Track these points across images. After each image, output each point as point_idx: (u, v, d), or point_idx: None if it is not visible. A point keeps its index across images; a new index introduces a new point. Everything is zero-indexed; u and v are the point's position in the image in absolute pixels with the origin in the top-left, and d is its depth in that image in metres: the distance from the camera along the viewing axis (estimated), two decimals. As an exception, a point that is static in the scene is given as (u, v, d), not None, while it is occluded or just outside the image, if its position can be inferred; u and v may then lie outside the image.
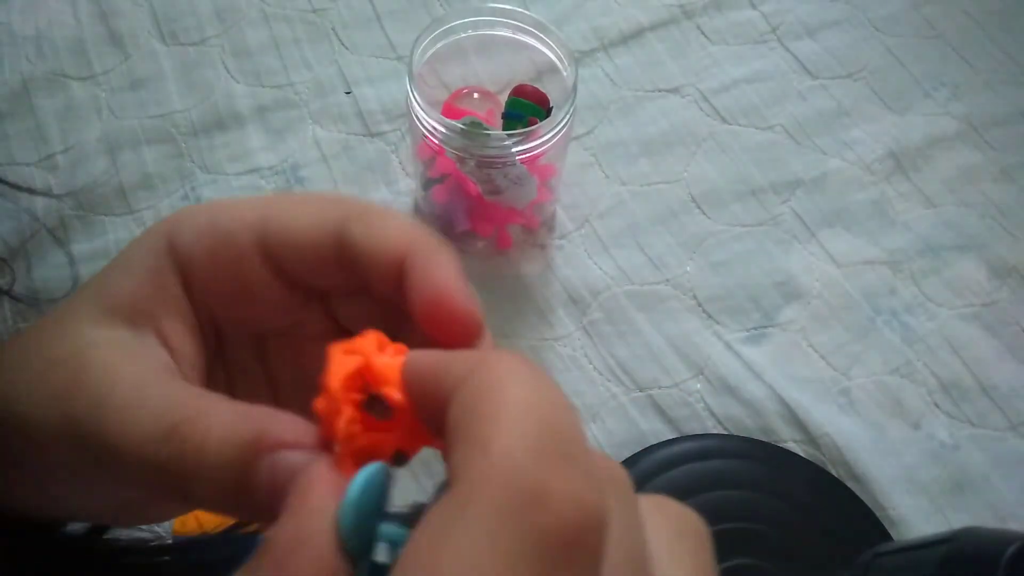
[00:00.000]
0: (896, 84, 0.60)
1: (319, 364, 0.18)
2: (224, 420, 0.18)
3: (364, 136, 0.56)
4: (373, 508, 0.16)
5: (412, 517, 0.15)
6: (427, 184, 0.51)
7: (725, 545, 0.42)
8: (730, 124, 0.58)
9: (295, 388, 0.24)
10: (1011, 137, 0.58)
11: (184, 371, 0.21)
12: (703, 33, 0.61)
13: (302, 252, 0.21)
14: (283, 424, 0.18)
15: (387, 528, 0.16)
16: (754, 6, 0.62)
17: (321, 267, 0.21)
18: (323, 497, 0.16)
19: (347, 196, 0.21)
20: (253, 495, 0.17)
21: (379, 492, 0.16)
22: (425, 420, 0.18)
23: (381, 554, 0.15)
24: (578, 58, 0.54)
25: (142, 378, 0.19)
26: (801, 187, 0.56)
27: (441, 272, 0.20)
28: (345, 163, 0.55)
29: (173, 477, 0.18)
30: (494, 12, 0.49)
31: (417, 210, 0.54)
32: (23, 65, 0.57)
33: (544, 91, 0.50)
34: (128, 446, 0.18)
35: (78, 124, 0.55)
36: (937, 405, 0.49)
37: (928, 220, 0.55)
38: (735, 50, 0.61)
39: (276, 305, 0.22)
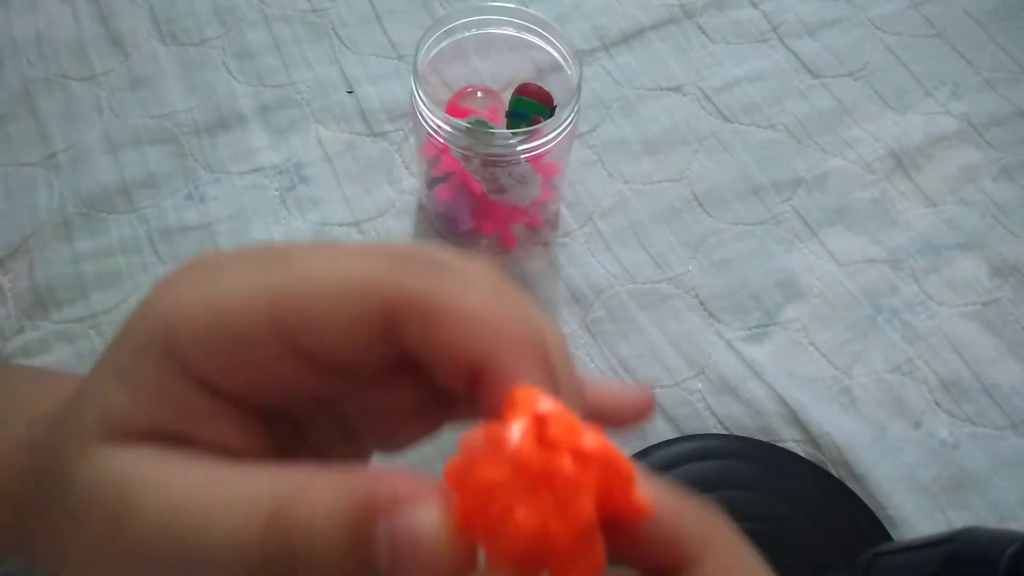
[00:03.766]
0: (897, 83, 0.60)
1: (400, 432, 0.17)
2: (327, 490, 0.15)
3: (367, 135, 0.56)
4: None
5: None
6: (431, 183, 0.51)
7: (727, 544, 0.43)
8: (732, 123, 0.58)
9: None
10: (1012, 136, 0.58)
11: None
12: (704, 32, 0.61)
13: (336, 351, 0.17)
14: (394, 478, 0.15)
15: None
16: (755, 5, 0.62)
17: (363, 360, 0.17)
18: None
19: (387, 250, 0.17)
20: (376, 567, 0.15)
21: None
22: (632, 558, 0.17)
23: None
24: (580, 57, 0.54)
25: (208, 478, 0.16)
26: (802, 186, 0.56)
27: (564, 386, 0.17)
28: (348, 162, 0.55)
29: (282, 572, 0.15)
30: (496, 11, 0.49)
31: (421, 208, 0.54)
32: (24, 67, 0.57)
33: (547, 90, 0.50)
34: (222, 557, 0.15)
35: (79, 124, 0.55)
36: (938, 404, 0.49)
37: (929, 219, 0.55)
38: (736, 49, 0.61)
39: (318, 389, 0.18)
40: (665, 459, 0.46)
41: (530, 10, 0.49)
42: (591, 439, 0.15)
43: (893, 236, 0.54)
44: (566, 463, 0.14)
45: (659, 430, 0.48)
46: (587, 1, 0.62)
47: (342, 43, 0.59)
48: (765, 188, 0.56)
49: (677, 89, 0.59)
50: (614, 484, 0.15)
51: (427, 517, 0.15)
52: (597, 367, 0.50)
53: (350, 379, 0.18)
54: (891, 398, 0.49)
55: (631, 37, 0.61)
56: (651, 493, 0.16)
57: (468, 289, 0.17)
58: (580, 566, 0.15)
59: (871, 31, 0.62)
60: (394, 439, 0.21)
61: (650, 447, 0.47)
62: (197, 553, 0.15)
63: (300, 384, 0.18)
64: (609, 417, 0.22)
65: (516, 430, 0.14)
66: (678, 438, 0.47)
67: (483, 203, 0.50)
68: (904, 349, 0.51)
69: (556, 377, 0.17)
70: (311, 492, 0.15)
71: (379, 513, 0.15)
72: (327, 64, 0.58)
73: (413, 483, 0.15)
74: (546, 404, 0.15)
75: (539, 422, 0.15)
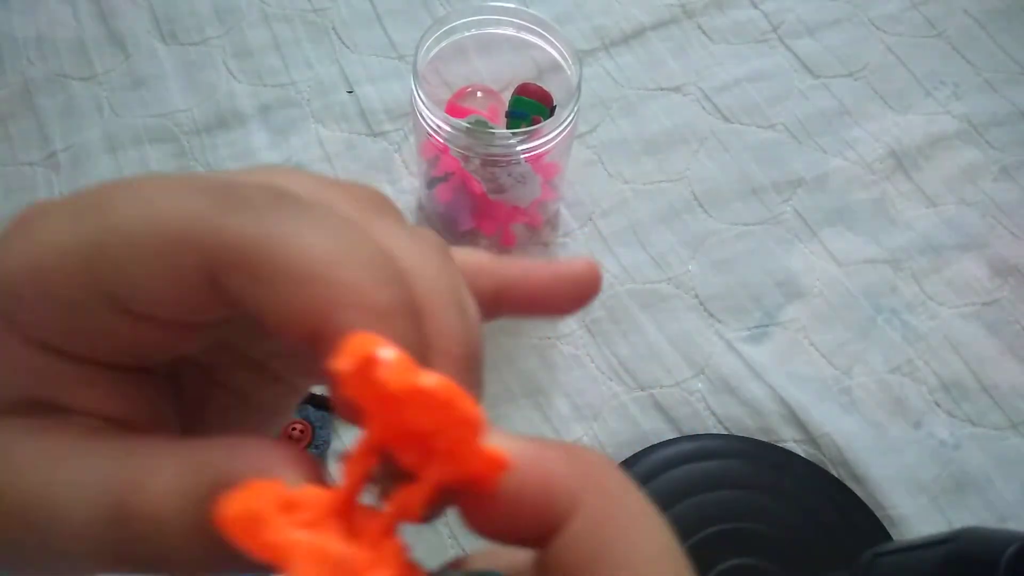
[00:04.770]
0: (897, 83, 0.60)
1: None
2: (172, 472, 0.14)
3: (367, 135, 0.56)
4: None
5: None
6: (431, 183, 0.51)
7: (725, 545, 0.43)
8: (732, 123, 0.58)
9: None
10: (1012, 136, 0.58)
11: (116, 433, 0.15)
12: (704, 32, 0.61)
13: (165, 309, 0.15)
14: (248, 456, 0.14)
15: None
16: (755, 5, 0.62)
17: (201, 315, 0.15)
18: None
19: (214, 183, 0.15)
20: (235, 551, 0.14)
21: None
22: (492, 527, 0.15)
23: None
24: (581, 57, 0.54)
25: (58, 460, 0.15)
26: (803, 186, 0.56)
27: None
28: (348, 162, 0.55)
29: (142, 560, 0.14)
30: (496, 11, 0.49)
31: (421, 208, 0.54)
32: (24, 66, 0.57)
33: (547, 90, 0.50)
34: (72, 548, 0.14)
35: (80, 123, 0.55)
36: (938, 404, 0.49)
37: (929, 219, 0.55)
38: (736, 49, 0.61)
39: (158, 345, 0.16)
40: (665, 459, 0.46)
41: (530, 10, 0.49)
42: (429, 379, 0.13)
43: (893, 236, 0.54)
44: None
45: (659, 430, 0.48)
46: (587, 1, 0.62)
47: (342, 43, 0.59)
48: (765, 188, 0.56)
49: (677, 89, 0.59)
50: (459, 433, 0.14)
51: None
52: (597, 367, 0.50)
53: (216, 328, 0.16)
54: (891, 398, 0.49)
55: (631, 37, 0.61)
56: (506, 442, 0.14)
57: (308, 232, 0.14)
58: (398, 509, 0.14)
59: (871, 31, 0.62)
60: (316, 371, 0.18)
61: (650, 447, 0.47)
62: (49, 541, 0.14)
63: (154, 342, 0.16)
64: (547, 302, 0.20)
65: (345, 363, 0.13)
66: (678, 438, 0.47)
67: (483, 203, 0.50)
68: (904, 349, 0.51)
69: (421, 333, 0.15)
70: (155, 476, 0.14)
71: (231, 485, 0.13)
72: (327, 64, 0.58)
73: (264, 453, 0.14)
74: (382, 348, 0.13)
75: (368, 364, 0.13)
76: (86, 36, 0.59)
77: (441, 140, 0.46)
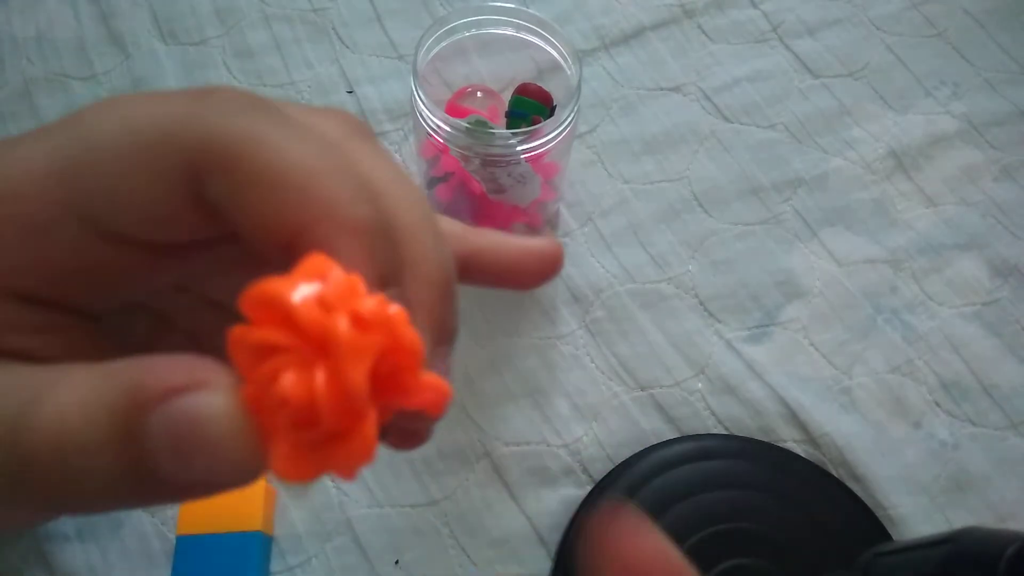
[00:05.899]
0: (897, 83, 0.60)
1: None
2: (83, 386, 0.13)
3: (366, 135, 0.56)
4: None
5: None
6: (431, 183, 0.51)
7: (725, 545, 0.43)
8: (732, 123, 0.58)
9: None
10: (1012, 136, 0.58)
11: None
12: (704, 32, 0.61)
13: (144, 223, 0.14)
14: (170, 364, 0.13)
15: None
16: (755, 5, 0.62)
17: (180, 228, 0.14)
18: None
19: (195, 91, 0.14)
20: (153, 467, 0.12)
21: None
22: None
23: None
24: (580, 57, 0.54)
25: None
26: (803, 186, 0.56)
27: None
28: (347, 162, 0.55)
29: (40, 490, 0.13)
30: (496, 11, 0.49)
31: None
32: (24, 66, 0.57)
33: (547, 90, 0.50)
34: None
35: (80, 123, 0.55)
36: (938, 404, 0.49)
37: (929, 219, 0.55)
38: (736, 49, 0.61)
39: (127, 273, 0.15)
40: (665, 459, 0.46)
41: (530, 10, 0.49)
42: (371, 303, 0.13)
43: (893, 236, 0.54)
44: (341, 325, 0.12)
45: (659, 430, 0.48)
46: (587, 1, 0.62)
47: (342, 43, 0.59)
48: (765, 188, 0.56)
49: (677, 89, 0.59)
50: (398, 359, 0.13)
51: (211, 400, 0.12)
52: (597, 367, 0.50)
53: (187, 258, 0.16)
54: (891, 398, 0.49)
55: (631, 37, 0.61)
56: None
57: (293, 140, 0.14)
58: (348, 447, 0.13)
59: (871, 31, 0.62)
60: None
61: (650, 447, 0.47)
62: None
63: (125, 269, 0.15)
64: (512, 274, 0.21)
65: (291, 290, 0.13)
66: (678, 438, 0.47)
67: (483, 203, 0.50)
68: (904, 349, 0.51)
69: (396, 254, 0.15)
70: (59, 389, 0.13)
71: (150, 403, 0.12)
72: (327, 64, 0.58)
73: (189, 365, 0.13)
74: (333, 269, 0.13)
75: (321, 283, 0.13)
76: (86, 36, 0.59)
77: (441, 140, 0.46)
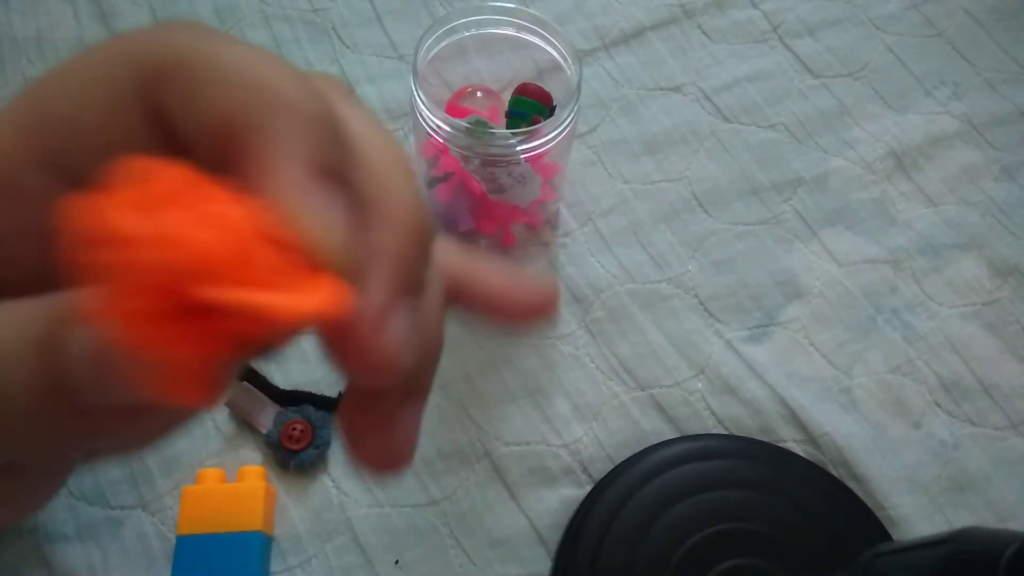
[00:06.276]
0: (897, 83, 0.60)
1: None
2: (13, 309, 0.13)
3: (366, 135, 0.56)
4: None
5: None
6: (431, 183, 0.51)
7: (725, 545, 0.43)
8: (732, 123, 0.58)
9: None
10: (1012, 136, 0.58)
11: None
12: (704, 32, 0.61)
13: (98, 156, 0.13)
14: (91, 292, 0.12)
15: None
16: (755, 5, 0.62)
17: (128, 146, 0.14)
18: None
19: (152, 26, 0.15)
20: (73, 386, 0.12)
21: None
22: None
23: None
24: (580, 57, 0.54)
25: None
26: (803, 186, 0.56)
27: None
28: (347, 162, 0.55)
29: None
30: (496, 11, 0.49)
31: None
32: (24, 66, 0.57)
33: (547, 90, 0.50)
34: None
35: (80, 123, 0.55)
36: (938, 404, 0.49)
37: (929, 219, 0.55)
38: (736, 49, 0.61)
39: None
40: (665, 459, 0.46)
41: (530, 10, 0.49)
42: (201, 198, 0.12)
43: (893, 236, 0.54)
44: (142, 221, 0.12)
45: (659, 430, 0.48)
46: (587, 1, 0.62)
47: (342, 43, 0.59)
48: (765, 188, 0.56)
49: (677, 89, 0.59)
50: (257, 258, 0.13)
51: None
52: (597, 367, 0.50)
53: None
54: (891, 398, 0.49)
55: (631, 37, 0.61)
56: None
57: (249, 52, 0.14)
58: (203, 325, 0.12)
59: (871, 31, 0.62)
60: None
61: (650, 447, 0.47)
62: None
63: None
64: (505, 309, 0.20)
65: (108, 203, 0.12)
66: (678, 438, 0.47)
67: (483, 203, 0.50)
68: (904, 349, 0.51)
69: (345, 153, 0.14)
70: None
71: (70, 322, 0.12)
72: (327, 64, 0.58)
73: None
74: (163, 172, 0.12)
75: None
76: (86, 36, 0.59)
77: (441, 140, 0.46)
